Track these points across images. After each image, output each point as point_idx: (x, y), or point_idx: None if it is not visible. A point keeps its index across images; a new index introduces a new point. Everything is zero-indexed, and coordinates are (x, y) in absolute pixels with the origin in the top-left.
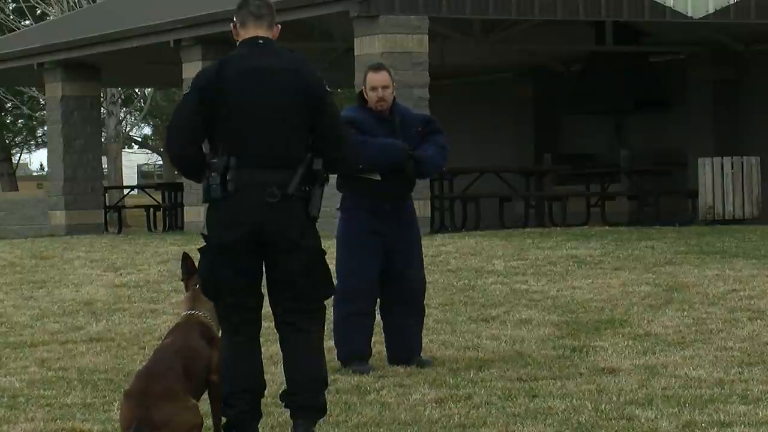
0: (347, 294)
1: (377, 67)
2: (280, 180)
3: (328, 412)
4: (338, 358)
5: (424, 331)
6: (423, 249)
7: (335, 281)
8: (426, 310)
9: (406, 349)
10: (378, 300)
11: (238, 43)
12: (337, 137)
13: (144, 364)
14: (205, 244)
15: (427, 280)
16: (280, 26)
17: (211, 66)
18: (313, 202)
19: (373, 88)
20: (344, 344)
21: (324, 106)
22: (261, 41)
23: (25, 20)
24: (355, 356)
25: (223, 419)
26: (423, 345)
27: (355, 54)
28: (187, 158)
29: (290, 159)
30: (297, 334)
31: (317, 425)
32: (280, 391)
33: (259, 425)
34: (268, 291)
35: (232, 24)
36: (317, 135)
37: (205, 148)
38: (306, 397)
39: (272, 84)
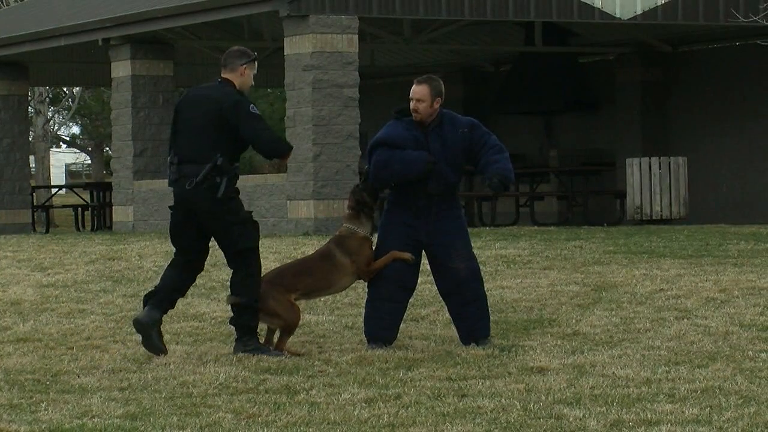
0: (374, 280)
1: (420, 81)
2: (194, 173)
3: (257, 413)
4: (364, 335)
5: (353, 328)
6: None
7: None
8: (486, 295)
9: (470, 334)
10: (412, 288)
11: None
12: (256, 139)
13: None
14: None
15: (360, 280)
16: (245, 67)
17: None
18: (219, 188)
19: (411, 99)
20: (365, 324)
21: (238, 121)
22: (219, 80)
23: None
24: (371, 337)
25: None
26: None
27: (285, 53)
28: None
29: (201, 158)
30: (233, 272)
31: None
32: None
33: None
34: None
35: None
36: (245, 140)
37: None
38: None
39: (197, 107)
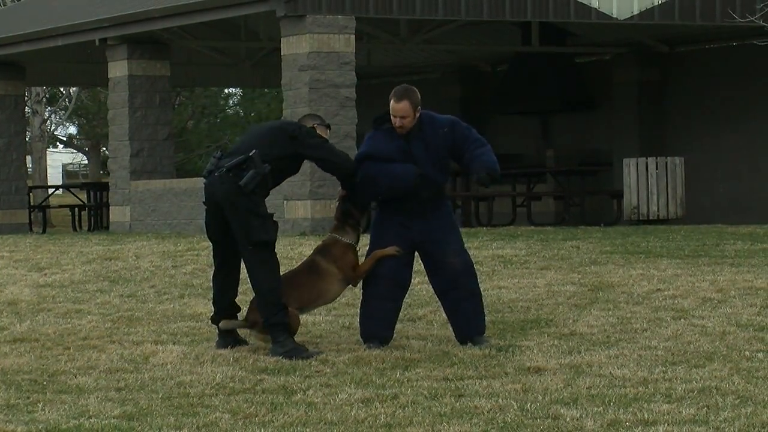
0: (369, 279)
1: (399, 97)
2: (226, 163)
3: (254, 413)
4: (360, 335)
5: (349, 328)
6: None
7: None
8: (480, 291)
9: (466, 330)
10: (407, 285)
11: None
12: (324, 162)
13: None
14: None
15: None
16: (315, 126)
17: None
18: (244, 178)
19: (393, 116)
20: (361, 324)
21: (302, 146)
22: (299, 119)
23: None
24: (368, 336)
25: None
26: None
27: (282, 54)
28: None
29: (242, 153)
30: (251, 271)
31: (243, 423)
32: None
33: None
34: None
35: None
36: (318, 164)
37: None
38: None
39: (264, 124)
